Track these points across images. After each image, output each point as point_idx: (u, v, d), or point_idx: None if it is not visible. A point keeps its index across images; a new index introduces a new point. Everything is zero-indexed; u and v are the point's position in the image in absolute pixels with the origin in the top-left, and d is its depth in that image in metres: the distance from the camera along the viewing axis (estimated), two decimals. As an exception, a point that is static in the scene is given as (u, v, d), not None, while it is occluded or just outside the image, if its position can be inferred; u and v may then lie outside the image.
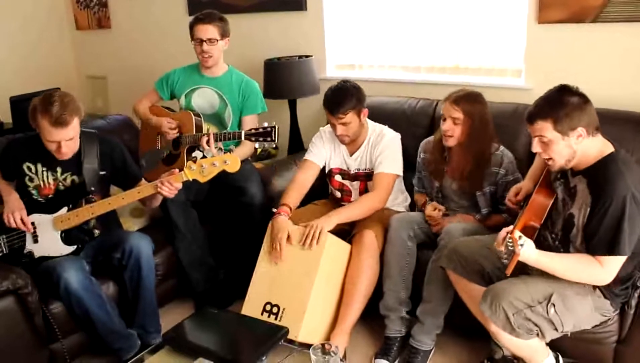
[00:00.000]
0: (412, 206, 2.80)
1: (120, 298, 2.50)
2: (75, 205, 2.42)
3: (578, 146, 1.89)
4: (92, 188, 2.44)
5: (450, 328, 2.45)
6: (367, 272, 2.44)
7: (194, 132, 2.87)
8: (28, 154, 2.45)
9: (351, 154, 2.72)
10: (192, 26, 2.92)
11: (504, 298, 1.93)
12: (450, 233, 2.37)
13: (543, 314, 1.93)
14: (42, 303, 2.30)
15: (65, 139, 2.28)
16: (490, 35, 3.08)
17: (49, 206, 2.43)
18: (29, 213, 2.39)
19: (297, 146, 3.64)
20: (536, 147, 1.95)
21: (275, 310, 2.34)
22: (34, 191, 2.44)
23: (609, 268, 1.88)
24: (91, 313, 2.30)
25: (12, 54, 4.66)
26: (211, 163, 2.29)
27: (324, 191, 2.91)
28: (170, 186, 2.31)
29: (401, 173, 2.64)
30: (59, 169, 2.45)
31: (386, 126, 2.72)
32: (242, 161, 2.49)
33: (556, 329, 1.96)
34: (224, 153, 2.68)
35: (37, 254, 2.40)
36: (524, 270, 2.03)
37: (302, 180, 2.67)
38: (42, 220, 2.40)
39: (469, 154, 2.44)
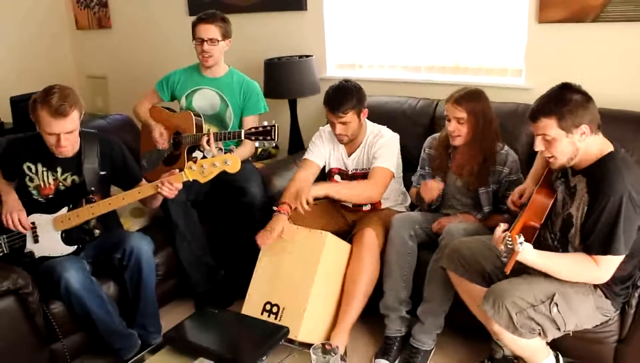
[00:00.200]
0: (413, 206, 2.80)
1: (120, 298, 2.50)
2: (75, 205, 2.42)
3: (581, 144, 1.90)
4: (93, 188, 2.44)
5: (451, 328, 2.45)
6: (367, 271, 2.45)
7: (195, 133, 2.87)
8: (28, 154, 2.45)
9: (349, 155, 2.72)
10: (194, 26, 2.92)
11: (507, 298, 1.93)
12: (451, 233, 2.37)
13: (546, 313, 1.93)
14: (42, 303, 2.31)
15: (65, 131, 2.27)
16: (491, 34, 3.08)
17: (49, 206, 2.43)
18: (29, 213, 2.39)
19: (298, 146, 3.64)
20: (539, 145, 1.95)
21: (275, 309, 2.35)
22: (34, 191, 2.44)
23: (604, 267, 1.88)
24: (92, 313, 2.30)
25: (12, 53, 4.66)
26: (211, 163, 2.29)
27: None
28: (170, 186, 2.31)
29: (397, 173, 2.65)
30: (59, 169, 2.45)
31: (385, 127, 2.72)
32: (243, 161, 2.49)
33: (558, 328, 1.96)
34: (225, 153, 2.68)
35: (37, 254, 2.40)
36: (525, 269, 2.03)
37: (302, 179, 2.67)
38: (43, 220, 2.40)
39: (476, 151, 2.44)
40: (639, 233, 1.89)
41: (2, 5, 4.57)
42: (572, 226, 1.97)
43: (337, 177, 2.77)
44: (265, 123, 2.57)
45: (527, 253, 1.86)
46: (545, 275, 1.96)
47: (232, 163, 2.29)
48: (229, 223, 2.98)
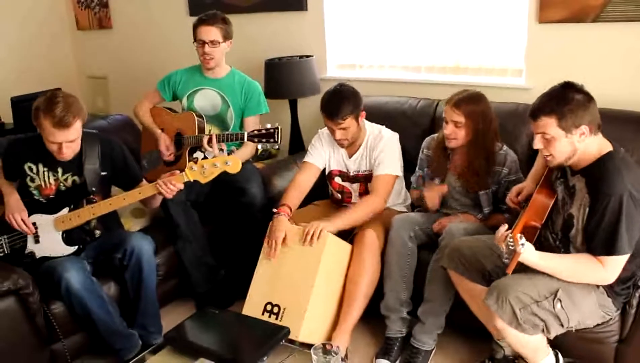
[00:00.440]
0: (413, 206, 2.80)
1: (121, 298, 2.51)
2: (76, 206, 2.42)
3: (580, 144, 1.90)
4: (93, 189, 2.45)
5: (452, 328, 2.45)
6: (368, 272, 2.44)
7: (196, 133, 2.87)
8: (29, 154, 2.45)
9: (350, 156, 2.72)
10: (195, 27, 2.90)
11: (511, 293, 1.93)
12: (451, 233, 2.37)
13: (549, 309, 1.93)
14: (43, 304, 2.31)
15: (67, 141, 2.28)
16: (491, 34, 3.08)
17: (50, 206, 2.43)
18: (30, 214, 2.39)
19: (298, 146, 3.64)
20: (538, 144, 1.95)
21: (276, 310, 2.34)
22: (35, 192, 2.45)
23: (610, 267, 1.88)
24: (92, 314, 2.30)
25: (13, 54, 4.66)
26: (212, 163, 2.29)
27: (324, 192, 2.90)
28: (171, 186, 2.31)
29: (400, 173, 2.65)
30: (60, 170, 2.45)
31: (384, 127, 2.72)
32: (243, 162, 2.49)
33: (562, 324, 1.97)
34: (227, 153, 2.68)
35: (38, 254, 2.40)
36: (527, 269, 2.03)
37: (302, 181, 2.67)
38: (44, 221, 2.41)
39: (474, 153, 2.44)
40: (641, 232, 1.90)
41: (2, 5, 4.57)
42: (573, 227, 1.97)
43: (337, 179, 2.77)
44: (269, 126, 2.57)
45: (529, 254, 1.86)
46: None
47: (233, 164, 2.29)
48: (229, 224, 2.98)
